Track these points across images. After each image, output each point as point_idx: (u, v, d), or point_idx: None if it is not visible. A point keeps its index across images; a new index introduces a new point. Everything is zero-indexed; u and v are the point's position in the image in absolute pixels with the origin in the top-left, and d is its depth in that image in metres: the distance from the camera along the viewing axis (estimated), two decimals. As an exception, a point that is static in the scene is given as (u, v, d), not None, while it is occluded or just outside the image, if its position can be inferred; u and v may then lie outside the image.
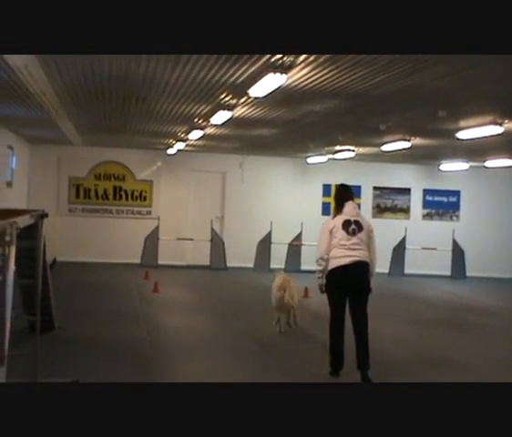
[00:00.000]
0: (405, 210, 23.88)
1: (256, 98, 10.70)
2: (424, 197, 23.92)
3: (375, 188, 23.71)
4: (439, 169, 22.73)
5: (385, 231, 22.47)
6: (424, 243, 22.57)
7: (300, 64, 8.34)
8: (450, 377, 9.32)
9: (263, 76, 8.59)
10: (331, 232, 9.02)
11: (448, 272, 22.51)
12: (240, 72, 9.01)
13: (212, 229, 21.66)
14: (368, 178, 23.40)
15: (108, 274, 19.27)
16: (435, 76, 8.69)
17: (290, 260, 21.53)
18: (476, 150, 16.98)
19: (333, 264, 8.95)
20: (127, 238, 21.92)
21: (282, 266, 20.67)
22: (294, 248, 21.73)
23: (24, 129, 17.25)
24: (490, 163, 19.96)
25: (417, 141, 15.43)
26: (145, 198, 22.54)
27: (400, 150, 16.68)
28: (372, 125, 13.55)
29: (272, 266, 20.97)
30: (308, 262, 18.62)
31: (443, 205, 23.97)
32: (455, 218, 23.98)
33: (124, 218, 22.44)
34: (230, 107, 11.70)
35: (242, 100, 11.15)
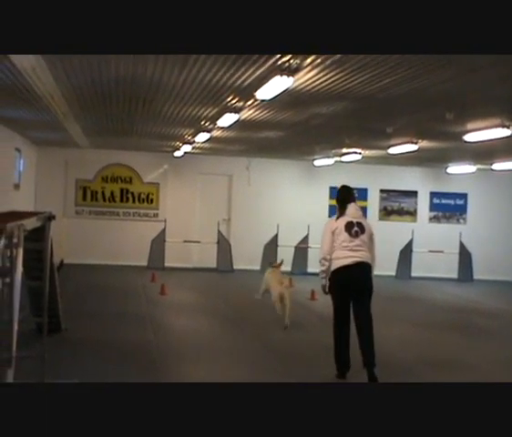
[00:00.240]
0: (412, 213, 23.85)
1: (263, 101, 10.71)
2: (431, 199, 23.89)
3: (382, 191, 23.69)
4: (446, 172, 22.69)
5: (392, 234, 22.52)
6: (430, 246, 22.52)
7: (306, 66, 8.35)
8: (455, 378, 9.29)
9: (270, 78, 8.60)
10: (333, 233, 9.07)
11: (455, 275, 22.47)
12: (246, 74, 9.03)
13: (219, 232, 21.68)
14: (375, 181, 23.39)
15: (115, 276, 19.30)
16: (442, 78, 8.68)
17: (296, 263, 21.54)
18: (484, 153, 16.96)
19: (336, 265, 9.00)
20: (133, 241, 21.95)
21: (289, 268, 20.74)
22: (301, 250, 21.73)
23: (31, 132, 17.31)
24: (497, 166, 19.93)
25: (424, 144, 15.41)
26: (152, 201, 22.57)
27: (407, 153, 16.66)
28: (378, 127, 13.54)
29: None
30: (315, 265, 18.53)
31: (450, 207, 23.93)
32: (462, 220, 23.94)
33: (131, 221, 22.47)
34: (237, 110, 11.71)
35: (249, 103, 11.16)
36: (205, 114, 12.86)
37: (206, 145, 18.25)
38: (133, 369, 9.18)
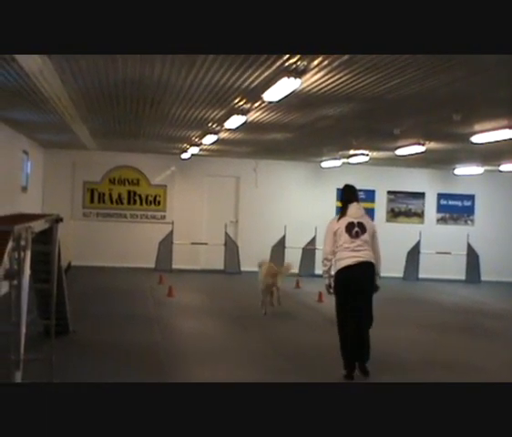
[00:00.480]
0: (420, 215, 23.81)
1: (270, 103, 10.70)
2: (438, 201, 23.85)
3: (389, 193, 23.66)
4: (453, 173, 22.66)
5: (400, 236, 22.50)
6: (438, 247, 22.48)
7: (314, 68, 8.34)
8: (461, 379, 9.26)
9: (277, 80, 8.60)
10: (335, 234, 9.20)
11: (463, 277, 22.42)
12: (254, 76, 9.02)
13: (226, 234, 21.68)
14: (382, 183, 23.36)
15: (123, 278, 19.32)
16: (449, 79, 8.66)
17: (304, 264, 21.52)
18: (491, 154, 16.91)
19: (339, 265, 9.14)
20: (141, 243, 21.96)
21: (297, 270, 20.75)
22: (308, 252, 21.71)
23: (38, 134, 17.33)
24: (505, 167, 19.88)
25: (432, 145, 15.39)
26: (159, 203, 22.59)
27: (414, 154, 16.64)
28: (386, 129, 13.52)
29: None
30: (322, 260, 18.56)
31: (457, 209, 23.88)
32: (469, 222, 23.89)
33: (138, 223, 22.49)
34: (244, 112, 11.71)
35: (256, 105, 11.16)
36: (212, 116, 12.86)
37: (213, 147, 18.26)
38: (141, 370, 9.18)
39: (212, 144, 17.19)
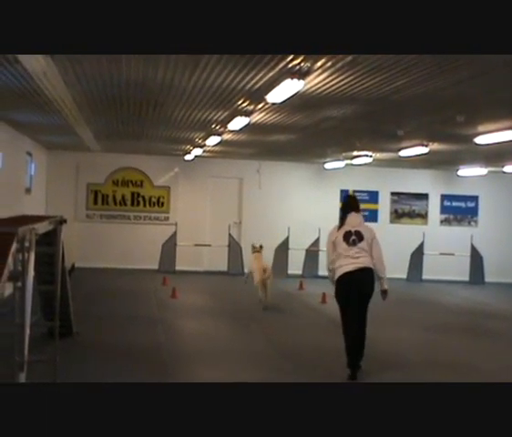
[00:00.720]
0: (423, 216, 23.80)
1: (273, 104, 10.71)
2: (441, 202, 23.83)
3: (393, 194, 23.65)
4: (457, 175, 22.65)
5: (403, 237, 22.51)
6: (442, 249, 22.46)
7: (317, 69, 8.33)
8: (463, 380, 9.25)
9: (281, 81, 8.60)
10: (334, 242, 9.63)
11: (466, 278, 22.39)
12: (257, 78, 9.02)
13: (230, 235, 21.68)
14: (386, 184, 23.36)
15: (126, 280, 19.33)
16: (453, 80, 8.65)
17: (307, 266, 21.52)
18: (495, 155, 16.89)
19: (339, 272, 9.48)
20: (144, 244, 21.97)
21: (300, 271, 20.79)
22: (312, 253, 21.70)
23: (42, 136, 17.35)
24: (509, 168, 19.86)
25: (435, 146, 15.37)
26: (162, 204, 22.60)
27: (418, 156, 16.62)
28: (389, 130, 13.51)
29: (290, 271, 21.01)
30: (325, 268, 18.56)
31: (461, 210, 23.86)
32: (473, 223, 23.87)
33: (142, 224, 22.50)
34: (248, 113, 11.72)
35: (260, 106, 11.16)
36: (216, 117, 12.86)
37: (217, 148, 18.26)
38: (144, 372, 9.19)
39: (216, 145, 17.20)
